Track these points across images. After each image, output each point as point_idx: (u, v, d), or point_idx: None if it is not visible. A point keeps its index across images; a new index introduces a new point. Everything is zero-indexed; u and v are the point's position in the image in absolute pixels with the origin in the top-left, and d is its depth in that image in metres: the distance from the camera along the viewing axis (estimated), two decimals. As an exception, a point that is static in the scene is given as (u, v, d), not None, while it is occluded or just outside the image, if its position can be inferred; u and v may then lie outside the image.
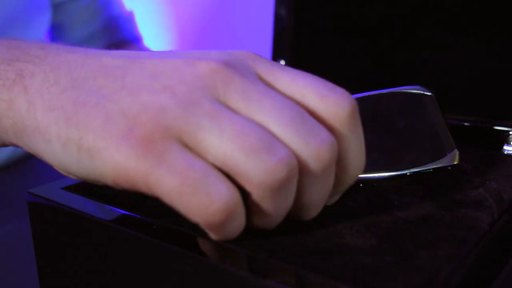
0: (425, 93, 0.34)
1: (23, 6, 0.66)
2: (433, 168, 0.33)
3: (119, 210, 0.30)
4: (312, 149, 0.24)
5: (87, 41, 0.75)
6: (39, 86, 0.27)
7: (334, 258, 0.25)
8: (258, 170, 0.23)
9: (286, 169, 0.23)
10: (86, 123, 0.25)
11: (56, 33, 0.76)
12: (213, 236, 0.25)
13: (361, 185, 0.32)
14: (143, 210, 0.30)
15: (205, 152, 0.24)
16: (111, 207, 0.30)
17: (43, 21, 0.70)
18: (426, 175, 0.34)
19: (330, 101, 0.25)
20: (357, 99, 0.27)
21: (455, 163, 0.33)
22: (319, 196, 0.26)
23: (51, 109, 0.26)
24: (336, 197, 0.29)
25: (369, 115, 0.31)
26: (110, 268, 0.29)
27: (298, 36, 0.50)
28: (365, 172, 0.28)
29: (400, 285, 0.22)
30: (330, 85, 0.26)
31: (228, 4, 1.02)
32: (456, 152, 0.33)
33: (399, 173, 0.32)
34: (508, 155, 0.39)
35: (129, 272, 0.28)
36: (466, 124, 0.44)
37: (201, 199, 0.23)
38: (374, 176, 0.32)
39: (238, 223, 0.24)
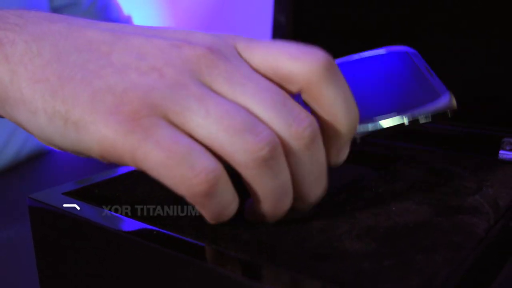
0: (408, 51, 0.35)
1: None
2: (432, 115, 0.32)
3: (118, 215, 0.30)
4: (293, 128, 0.25)
5: None
6: (21, 56, 0.27)
7: (333, 262, 0.25)
8: (242, 150, 0.24)
9: (268, 148, 0.24)
10: (73, 97, 0.25)
11: None
12: (205, 215, 0.26)
13: (358, 142, 0.32)
14: (143, 215, 0.30)
15: (191, 131, 0.25)
16: (110, 212, 0.30)
17: (42, 5, 0.71)
18: (426, 129, 0.33)
19: (302, 60, 0.26)
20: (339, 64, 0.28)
21: (454, 108, 0.32)
22: (313, 172, 0.27)
23: (36, 81, 0.26)
24: (344, 152, 0.29)
25: (355, 76, 0.33)
26: (109, 272, 0.30)
27: (297, 38, 0.51)
28: (364, 121, 0.29)
29: (399, 289, 0.23)
30: (302, 47, 0.27)
31: (227, 6, 1.02)
32: (451, 94, 0.33)
33: (398, 118, 0.31)
34: (504, 161, 0.40)
35: (129, 276, 0.29)
36: (461, 130, 0.44)
37: (185, 171, 0.24)
38: (374, 126, 0.31)
39: (226, 199, 0.25)
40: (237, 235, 0.28)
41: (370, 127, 0.31)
